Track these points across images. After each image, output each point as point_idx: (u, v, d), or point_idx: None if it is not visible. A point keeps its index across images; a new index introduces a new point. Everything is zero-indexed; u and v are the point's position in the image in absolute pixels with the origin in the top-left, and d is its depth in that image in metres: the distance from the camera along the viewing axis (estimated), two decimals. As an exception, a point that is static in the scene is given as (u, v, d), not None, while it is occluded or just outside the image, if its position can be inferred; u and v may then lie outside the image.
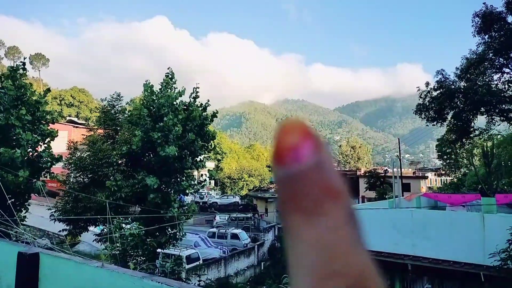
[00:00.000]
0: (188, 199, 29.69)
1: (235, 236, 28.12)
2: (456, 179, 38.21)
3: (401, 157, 38.20)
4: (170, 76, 17.71)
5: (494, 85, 20.97)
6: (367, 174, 42.89)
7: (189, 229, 28.16)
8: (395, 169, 19.53)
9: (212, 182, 66.15)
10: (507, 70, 21.60)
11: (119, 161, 17.37)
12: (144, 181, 15.88)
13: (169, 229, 16.18)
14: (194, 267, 19.03)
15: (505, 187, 13.60)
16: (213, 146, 18.50)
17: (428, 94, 22.96)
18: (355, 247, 0.23)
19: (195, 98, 17.73)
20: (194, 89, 17.81)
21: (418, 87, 23.43)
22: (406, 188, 37.04)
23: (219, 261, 22.68)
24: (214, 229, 30.67)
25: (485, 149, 12.06)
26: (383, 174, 41.62)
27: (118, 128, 19.36)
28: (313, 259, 0.20)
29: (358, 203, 36.86)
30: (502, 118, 22.49)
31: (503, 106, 21.93)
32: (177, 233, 17.13)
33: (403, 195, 17.30)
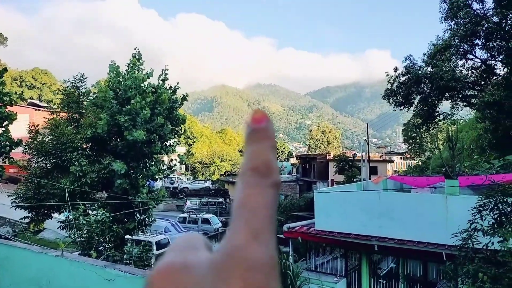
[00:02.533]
0: (158, 184, 29.21)
1: (206, 221, 28.04)
2: (421, 163, 39.67)
3: (369, 142, 39.11)
4: (137, 57, 17.04)
5: (458, 71, 21.64)
6: (336, 158, 43.69)
7: (159, 214, 27.79)
8: (363, 153, 19.93)
9: (183, 167, 65.42)
10: (471, 56, 22.33)
11: (84, 146, 16.69)
12: (110, 166, 15.39)
13: (137, 215, 15.85)
14: (164, 253, 18.82)
15: (467, 170, 14.18)
16: (183, 130, 18.15)
17: (396, 79, 23.42)
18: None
19: (164, 80, 17.21)
20: (163, 71, 17.27)
21: (387, 72, 23.83)
22: (373, 171, 38.08)
23: (189, 246, 22.56)
24: (185, 214, 30.44)
25: (449, 133, 12.45)
26: (351, 158, 42.54)
27: (83, 111, 18.53)
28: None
29: (328, 186, 37.61)
30: (465, 103, 23.36)
31: (467, 91, 22.75)
32: (146, 219, 16.83)
33: (370, 178, 17.70)
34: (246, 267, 0.27)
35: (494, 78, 21.76)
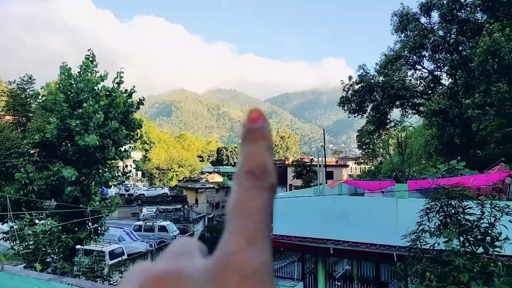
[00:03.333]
0: (112, 191, 28.13)
1: (163, 229, 27.34)
2: (373, 167, 41.31)
3: (325, 147, 40.17)
4: (90, 59, 16.35)
5: (408, 81, 22.90)
6: (294, 163, 44.46)
7: (113, 223, 26.71)
8: (319, 158, 20.43)
9: (139, 173, 63.49)
10: (419, 67, 23.72)
11: (31, 151, 15.70)
12: (60, 172, 14.57)
13: (89, 224, 15.13)
14: (117, 263, 18.11)
15: (416, 174, 14.94)
16: (139, 135, 17.60)
17: (350, 87, 24.33)
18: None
19: (119, 83, 16.62)
20: (118, 74, 16.69)
21: (342, 80, 24.71)
22: (329, 176, 39.12)
23: (145, 255, 21.86)
24: (140, 222, 29.51)
25: (399, 139, 13.09)
26: (309, 163, 43.46)
27: (30, 115, 17.48)
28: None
29: (286, 190, 38.09)
30: (414, 111, 24.72)
31: (415, 100, 24.09)
32: (99, 228, 16.11)
33: (326, 183, 18.17)
34: (241, 275, 0.27)
35: (440, 88, 23.23)
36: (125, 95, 16.56)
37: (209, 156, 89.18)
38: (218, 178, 56.88)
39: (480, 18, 20.09)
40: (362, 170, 51.88)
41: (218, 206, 45.02)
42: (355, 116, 25.44)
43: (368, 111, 24.77)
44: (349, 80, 24.37)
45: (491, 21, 18.89)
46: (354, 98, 24.21)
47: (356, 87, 24.11)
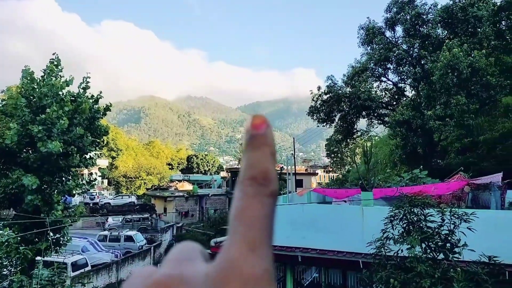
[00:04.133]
0: (76, 200, 27.12)
1: (129, 238, 26.57)
2: (341, 176, 42.19)
3: (295, 155, 40.64)
4: (55, 63, 15.81)
5: (374, 92, 23.68)
6: (265, 171, 44.61)
7: (76, 233, 25.71)
8: (289, 167, 20.64)
9: (105, 181, 61.58)
10: (384, 79, 24.61)
11: (-12, 158, 14.91)
12: (20, 180, 13.90)
13: (51, 234, 14.49)
14: (80, 274, 17.39)
15: (380, 183, 15.39)
16: (105, 142, 17.13)
17: (319, 97, 24.86)
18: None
19: (85, 88, 16.16)
20: (84, 79, 16.23)
21: (311, 90, 25.21)
22: (299, 184, 39.54)
23: (110, 265, 21.13)
24: (106, 232, 28.54)
25: (365, 148, 13.48)
26: (279, 171, 43.80)
27: (-12, 120, 16.61)
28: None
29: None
30: (379, 121, 25.54)
31: (381, 111, 24.93)
32: (61, 238, 15.46)
33: (296, 191, 18.36)
34: (242, 281, 0.27)
35: (404, 99, 24.16)
36: (91, 100, 16.12)
37: (178, 164, 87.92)
38: (188, 186, 56.12)
39: (440, 34, 21.17)
40: (331, 178, 52.85)
41: (188, 214, 44.33)
42: (323, 126, 25.98)
43: (336, 120, 25.37)
44: (318, 90, 24.93)
45: (451, 37, 19.96)
46: (323, 108, 24.75)
47: (325, 97, 24.67)
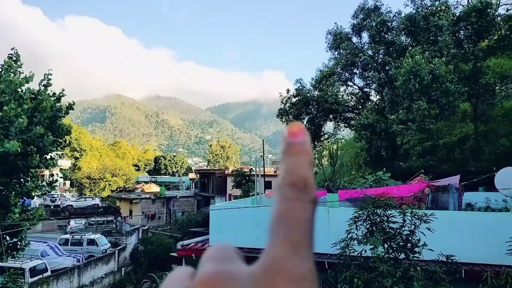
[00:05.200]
0: (36, 202, 25.92)
1: (92, 242, 25.70)
2: (309, 177, 42.77)
3: (264, 157, 40.86)
4: (14, 58, 15.04)
5: (340, 96, 24.25)
6: (234, 173, 44.56)
7: (36, 237, 24.56)
8: (258, 168, 20.73)
9: (67, 182, 59.26)
10: (351, 83, 25.26)
11: None
12: (-27, 182, 13.13)
13: (7, 238, 13.76)
14: (39, 280, 16.62)
15: (346, 184, 15.75)
16: (68, 142, 16.47)
17: (288, 100, 25.17)
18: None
19: (46, 86, 15.48)
20: (46, 76, 15.55)
21: (280, 93, 25.49)
22: (268, 185, 39.69)
23: (71, 270, 20.33)
24: (67, 236, 27.47)
25: (331, 151, 13.76)
26: (248, 173, 43.85)
27: None
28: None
29: (226, 200, 37.96)
30: (345, 124, 26.18)
31: (347, 114, 25.57)
32: (19, 243, 14.71)
33: (265, 193, 18.44)
34: (286, 280, 0.28)
35: (369, 103, 24.90)
36: (53, 98, 15.47)
37: (145, 165, 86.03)
38: (155, 188, 55.05)
39: (404, 41, 21.98)
40: (299, 180, 53.41)
41: (154, 217, 43.42)
42: (292, 128, 26.26)
43: (304, 123, 25.73)
44: (287, 93, 25.23)
45: (414, 44, 20.78)
46: (292, 110, 25.06)
47: (294, 100, 25.00)
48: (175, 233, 32.93)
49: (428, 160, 21.25)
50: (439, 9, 21.44)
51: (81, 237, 26.41)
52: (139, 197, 44.37)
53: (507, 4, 33.86)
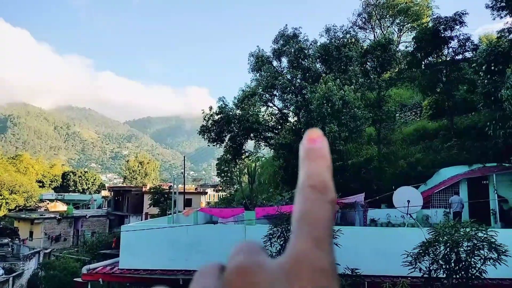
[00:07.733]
0: None
1: (-20, 269, 22.42)
2: (229, 195, 43.00)
3: (185, 174, 40.07)
4: None
5: (261, 116, 25.04)
6: (152, 190, 42.81)
7: None
8: (179, 186, 20.22)
9: (-47, 200, 51.31)
10: (271, 104, 26.28)
11: None
12: None
13: None
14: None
15: (264, 202, 16.16)
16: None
17: (211, 117, 25.25)
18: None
19: None
20: None
21: (203, 110, 25.47)
22: (188, 203, 38.91)
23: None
24: (-51, 262, 23.60)
25: (249, 169, 14.06)
26: (167, 190, 42.49)
27: None
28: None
29: (142, 219, 36.12)
30: (265, 143, 27.00)
31: (267, 133, 26.43)
32: None
33: (184, 210, 18.00)
34: (313, 272, 0.31)
35: (287, 124, 26.08)
36: None
37: (51, 181, 78.41)
38: (62, 207, 50.37)
39: (319, 68, 23.67)
40: (220, 197, 53.34)
41: (59, 239, 39.52)
42: (214, 145, 26.31)
43: (226, 140, 25.97)
44: (210, 110, 25.30)
45: (327, 71, 22.48)
46: (214, 127, 25.13)
47: (216, 117, 25.14)
48: (83, 256, 30.30)
49: (338, 179, 22.79)
50: (349, 41, 23.63)
51: (-35, 264, 22.90)
52: (41, 216, 40.16)
53: (405, 42, 38.69)
